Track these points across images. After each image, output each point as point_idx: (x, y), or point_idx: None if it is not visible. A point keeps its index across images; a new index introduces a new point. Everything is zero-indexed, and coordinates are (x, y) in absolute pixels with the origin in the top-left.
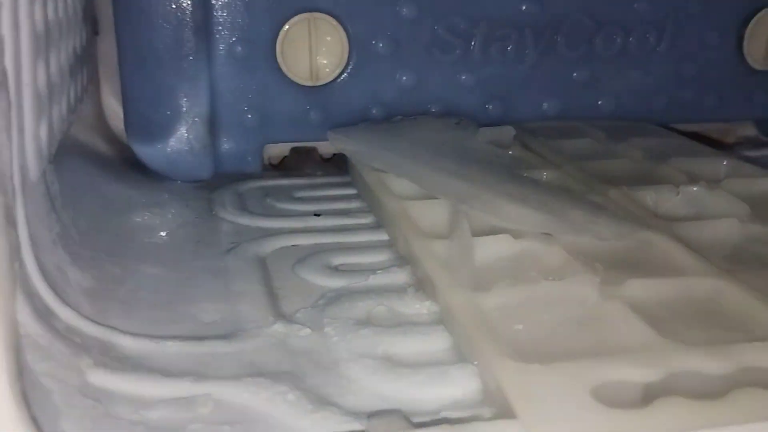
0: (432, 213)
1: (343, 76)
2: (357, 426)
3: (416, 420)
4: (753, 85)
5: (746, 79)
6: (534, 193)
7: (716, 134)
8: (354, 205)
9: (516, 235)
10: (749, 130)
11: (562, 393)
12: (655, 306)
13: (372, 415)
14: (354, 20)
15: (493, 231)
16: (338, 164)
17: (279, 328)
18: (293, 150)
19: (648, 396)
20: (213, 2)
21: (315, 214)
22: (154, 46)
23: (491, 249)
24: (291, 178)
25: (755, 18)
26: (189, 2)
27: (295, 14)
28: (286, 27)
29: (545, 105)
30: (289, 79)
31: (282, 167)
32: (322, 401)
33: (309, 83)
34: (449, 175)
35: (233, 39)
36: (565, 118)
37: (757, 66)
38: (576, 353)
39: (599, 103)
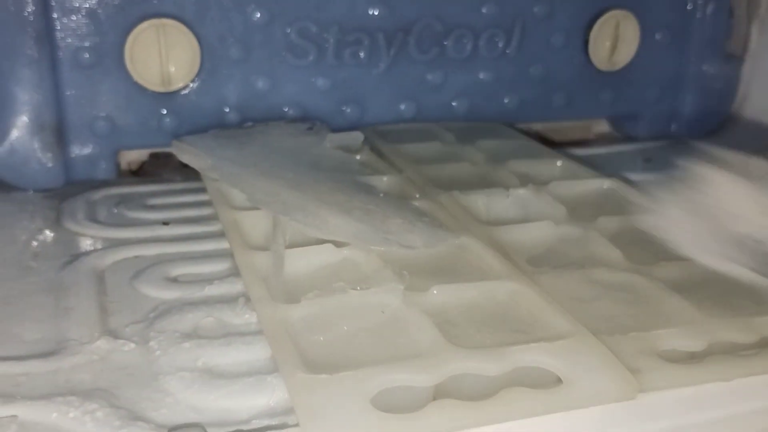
0: (265, 224)
1: (196, 81)
2: None
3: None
4: (598, 85)
5: (592, 80)
6: (362, 202)
7: (579, 132)
8: (206, 212)
9: (338, 244)
10: (604, 127)
11: (343, 402)
12: (454, 311)
13: (173, 429)
14: (204, 26)
15: (318, 241)
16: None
17: (102, 344)
18: (152, 155)
19: (428, 400)
20: (54, 11)
21: (164, 223)
22: None
23: (315, 258)
24: (147, 185)
25: (598, 22)
26: (29, 10)
27: (142, 20)
28: (134, 33)
29: (402, 107)
30: (140, 85)
31: (141, 173)
32: (131, 417)
33: (161, 89)
34: (283, 185)
35: (78, 46)
36: (421, 119)
37: (602, 67)
38: (365, 362)
39: (453, 104)
